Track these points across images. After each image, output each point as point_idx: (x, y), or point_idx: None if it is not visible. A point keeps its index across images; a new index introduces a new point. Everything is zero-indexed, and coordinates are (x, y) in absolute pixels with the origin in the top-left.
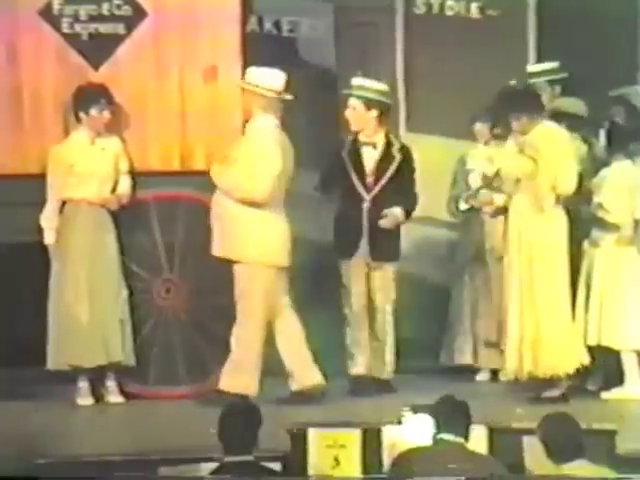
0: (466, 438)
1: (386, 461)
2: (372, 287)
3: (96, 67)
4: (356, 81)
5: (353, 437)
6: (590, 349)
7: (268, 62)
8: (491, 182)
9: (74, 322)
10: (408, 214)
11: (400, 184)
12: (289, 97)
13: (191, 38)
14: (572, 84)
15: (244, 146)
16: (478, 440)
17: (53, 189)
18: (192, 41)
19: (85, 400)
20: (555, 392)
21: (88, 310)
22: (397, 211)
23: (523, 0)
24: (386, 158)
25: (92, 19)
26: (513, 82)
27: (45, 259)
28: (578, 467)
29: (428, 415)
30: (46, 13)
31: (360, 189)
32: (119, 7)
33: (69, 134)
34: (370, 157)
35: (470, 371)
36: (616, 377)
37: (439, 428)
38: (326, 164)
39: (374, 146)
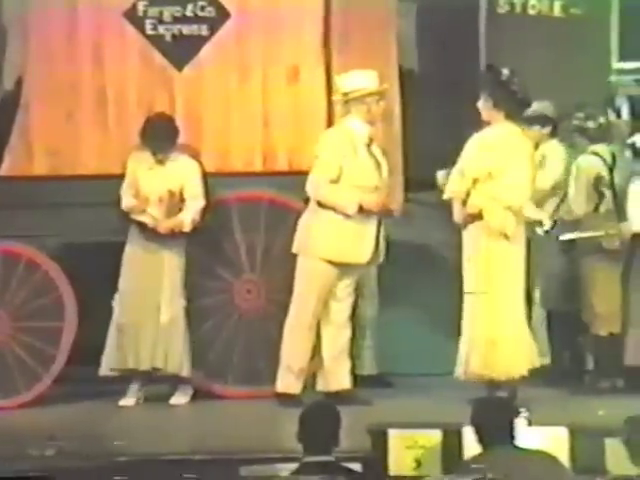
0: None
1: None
2: None
3: (179, 68)
4: None
5: (433, 438)
6: None
7: None
8: None
9: (116, 328)
10: None
11: None
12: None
13: (273, 39)
14: None
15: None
16: (560, 442)
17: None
18: (274, 42)
19: (126, 401)
20: (504, 393)
21: (127, 316)
22: None
23: None
24: None
25: (176, 20)
26: None
27: None
28: None
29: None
30: (131, 15)
31: None
32: (203, 8)
33: None
34: None
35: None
36: None
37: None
38: None
39: None
